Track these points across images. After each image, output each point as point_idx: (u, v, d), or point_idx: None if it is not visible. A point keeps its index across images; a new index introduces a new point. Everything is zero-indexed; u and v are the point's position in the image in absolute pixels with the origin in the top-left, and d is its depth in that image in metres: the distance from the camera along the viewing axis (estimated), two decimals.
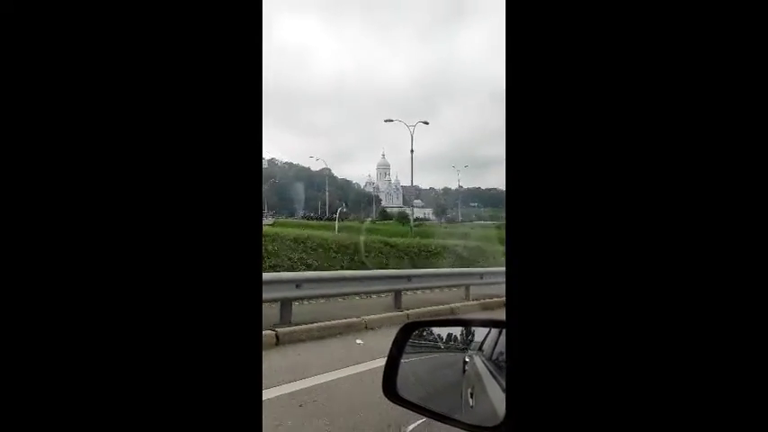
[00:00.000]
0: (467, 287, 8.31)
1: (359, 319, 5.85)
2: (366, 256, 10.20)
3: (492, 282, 8.64)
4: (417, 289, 7.37)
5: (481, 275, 8.45)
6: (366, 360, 4.31)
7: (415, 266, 10.52)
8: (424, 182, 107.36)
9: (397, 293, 6.81)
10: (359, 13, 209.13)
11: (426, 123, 37.75)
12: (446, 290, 8.65)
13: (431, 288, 7.83)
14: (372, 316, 6.09)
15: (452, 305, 7.40)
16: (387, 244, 11.26)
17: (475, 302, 7.96)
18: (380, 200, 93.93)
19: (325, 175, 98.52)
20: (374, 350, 4.71)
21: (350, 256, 9.96)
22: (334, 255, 9.75)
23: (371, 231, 18.32)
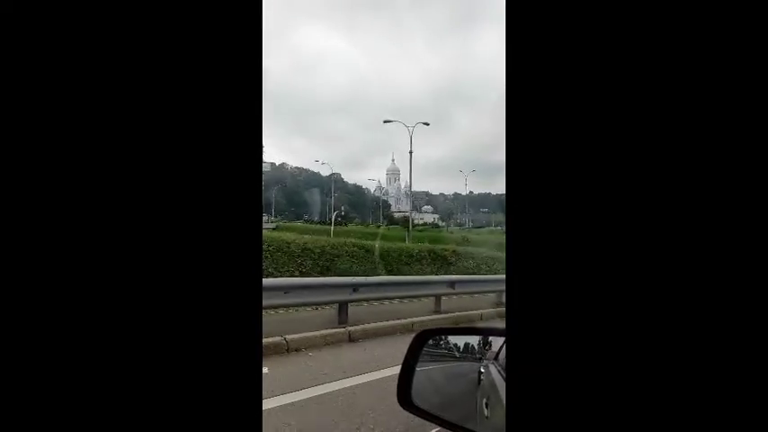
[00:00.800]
0: (437, 298, 7.11)
1: (280, 338, 4.67)
2: (332, 261, 9.09)
3: (465, 291, 7.45)
4: (364, 300, 6.20)
5: (452, 284, 7.23)
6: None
7: (390, 273, 9.45)
8: (435, 187, 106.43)
9: (342, 305, 5.63)
10: (374, 20, 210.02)
11: (427, 124, 36.52)
12: (413, 301, 7.48)
13: (385, 299, 6.61)
14: (301, 334, 4.90)
15: (413, 319, 6.16)
16: (362, 247, 10.12)
17: (443, 316, 6.73)
18: (390, 205, 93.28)
19: (335, 179, 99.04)
20: (279, 383, 3.56)
21: (313, 260, 8.85)
22: (296, 259, 8.66)
23: (366, 236, 17.42)
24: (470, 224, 73.49)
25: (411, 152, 30.13)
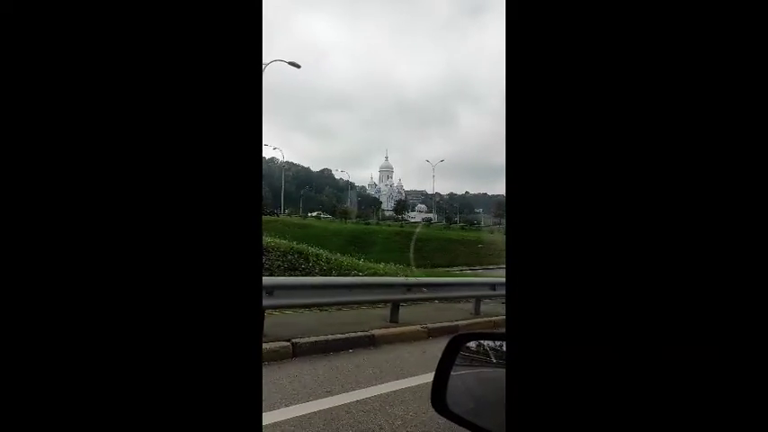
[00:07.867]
0: (394, 304, 4.79)
1: None
2: None
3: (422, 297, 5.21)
4: (282, 307, 4.04)
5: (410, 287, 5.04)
6: None
7: None
8: (434, 187, 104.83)
9: None
10: (375, 15, 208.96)
11: (297, 66, 21.25)
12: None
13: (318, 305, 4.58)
14: None
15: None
16: None
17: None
18: (381, 202, 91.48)
19: (327, 176, 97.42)
20: None
21: None
22: None
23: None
24: (459, 223, 71.41)
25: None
